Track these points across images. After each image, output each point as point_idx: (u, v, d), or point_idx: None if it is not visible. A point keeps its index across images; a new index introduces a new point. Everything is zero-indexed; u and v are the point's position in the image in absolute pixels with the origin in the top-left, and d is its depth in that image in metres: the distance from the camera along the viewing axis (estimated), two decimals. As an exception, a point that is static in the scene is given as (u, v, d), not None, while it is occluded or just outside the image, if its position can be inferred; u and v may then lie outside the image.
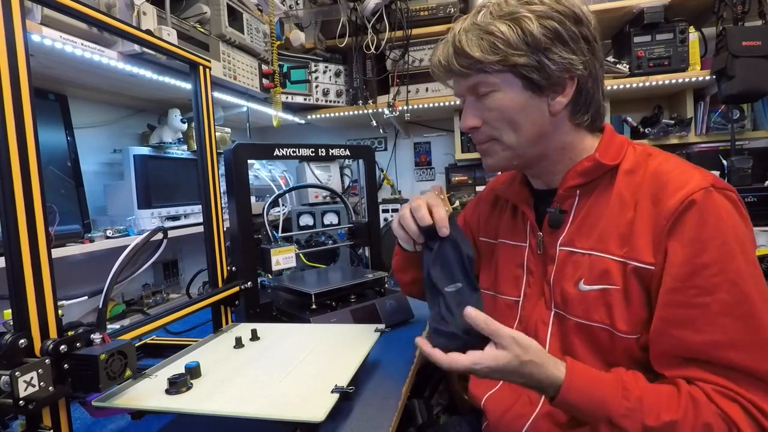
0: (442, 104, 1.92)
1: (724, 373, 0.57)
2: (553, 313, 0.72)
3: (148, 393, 0.63)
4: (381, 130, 2.13)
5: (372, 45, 1.80)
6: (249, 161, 1.05)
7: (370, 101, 1.94)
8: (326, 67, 1.93)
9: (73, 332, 0.56)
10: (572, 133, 0.72)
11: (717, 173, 1.77)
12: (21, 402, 0.48)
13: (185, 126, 1.44)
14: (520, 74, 0.66)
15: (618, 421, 0.57)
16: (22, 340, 0.51)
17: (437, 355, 0.62)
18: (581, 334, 0.68)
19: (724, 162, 1.79)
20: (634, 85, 1.78)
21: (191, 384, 0.65)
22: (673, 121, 1.92)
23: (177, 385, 0.63)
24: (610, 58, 1.90)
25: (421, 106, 1.92)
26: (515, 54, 0.65)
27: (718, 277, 0.57)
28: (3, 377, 0.47)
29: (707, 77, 1.74)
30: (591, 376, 0.61)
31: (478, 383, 0.83)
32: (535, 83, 0.66)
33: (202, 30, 1.23)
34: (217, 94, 1.45)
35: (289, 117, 1.98)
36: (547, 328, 0.72)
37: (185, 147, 1.48)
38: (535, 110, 0.69)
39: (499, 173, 0.94)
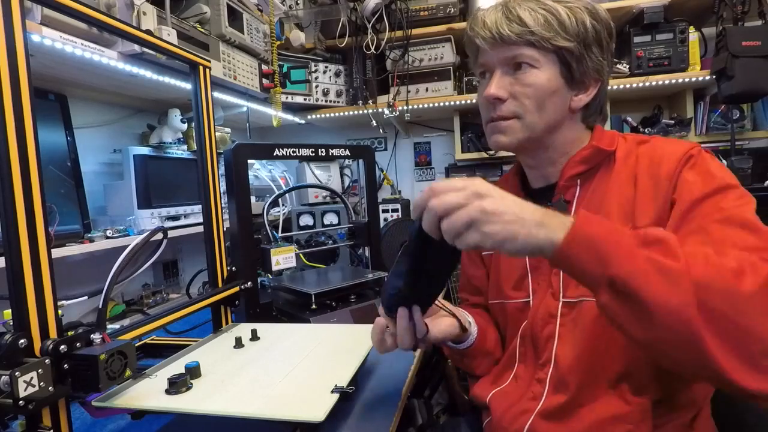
0: (442, 104, 1.92)
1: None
2: (561, 303, 0.71)
3: (148, 393, 0.63)
4: (381, 130, 2.13)
5: (372, 45, 1.80)
6: (249, 161, 1.05)
7: (370, 101, 1.94)
8: (326, 67, 1.93)
9: (73, 332, 0.56)
10: (580, 131, 0.76)
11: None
12: (21, 402, 0.48)
13: (185, 126, 1.44)
14: (563, 59, 0.69)
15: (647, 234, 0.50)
16: (22, 340, 0.51)
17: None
18: (592, 315, 0.67)
19: (724, 162, 1.79)
20: (634, 85, 1.78)
21: (191, 384, 0.65)
22: (673, 121, 1.92)
23: (177, 385, 0.63)
24: (610, 58, 1.90)
25: (421, 106, 1.92)
26: (566, 38, 0.67)
27: (740, 200, 0.60)
28: (3, 377, 0.47)
29: (707, 77, 1.74)
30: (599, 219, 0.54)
31: (483, 384, 0.83)
32: (571, 73, 0.70)
33: (202, 30, 1.23)
34: (217, 94, 1.45)
35: (289, 117, 1.98)
36: (555, 320, 0.72)
37: (185, 147, 1.48)
38: (563, 99, 0.72)
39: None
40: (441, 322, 0.72)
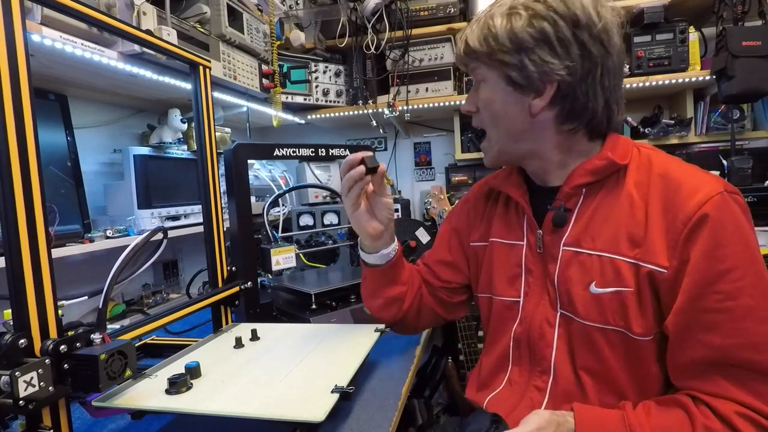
0: (442, 104, 1.92)
1: (744, 381, 0.57)
2: (559, 314, 0.71)
3: (148, 393, 0.63)
4: (381, 130, 2.13)
5: (372, 45, 1.80)
6: (249, 161, 1.05)
7: (370, 101, 1.94)
8: (326, 67, 1.93)
9: (73, 332, 0.56)
10: (563, 135, 0.70)
11: (717, 173, 1.77)
12: (21, 402, 0.48)
13: (185, 126, 1.44)
14: (503, 70, 0.67)
15: None
16: (22, 340, 0.51)
17: None
18: (592, 338, 0.67)
19: (724, 162, 1.79)
20: (634, 85, 1.78)
21: (191, 384, 0.65)
22: (673, 121, 1.92)
23: (177, 385, 0.63)
24: (610, 58, 1.89)
25: (421, 106, 1.92)
26: (500, 50, 0.66)
27: (740, 282, 0.57)
28: (3, 377, 0.47)
29: (707, 77, 1.74)
30: (597, 422, 0.61)
31: (477, 387, 0.84)
32: (515, 81, 0.67)
33: (202, 30, 1.23)
34: (217, 94, 1.45)
35: (289, 117, 1.98)
36: (553, 330, 0.71)
37: (185, 147, 1.48)
38: (517, 107, 0.69)
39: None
40: (369, 217, 0.80)
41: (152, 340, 1.07)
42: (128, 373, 0.58)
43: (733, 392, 0.57)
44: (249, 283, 0.99)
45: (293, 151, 1.12)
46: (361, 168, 0.76)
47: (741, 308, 0.57)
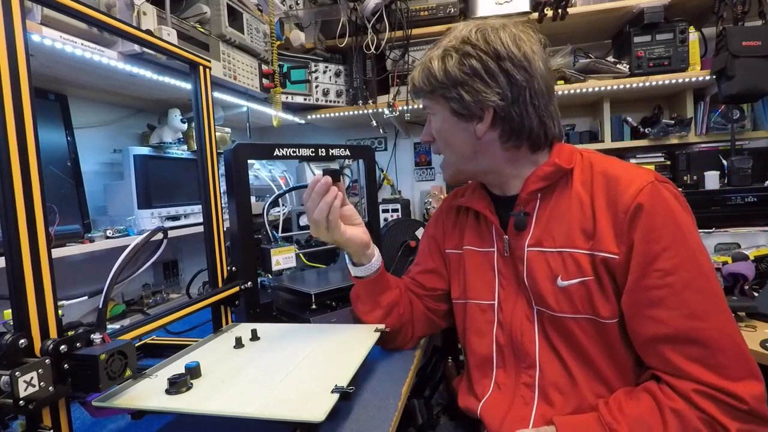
0: (442, 104, 1.92)
1: (695, 356, 0.62)
2: (535, 310, 0.76)
3: (148, 393, 0.63)
4: (381, 130, 2.13)
5: (372, 45, 1.80)
6: (249, 161, 1.04)
7: (370, 101, 1.94)
8: (326, 67, 1.93)
9: (73, 332, 0.56)
10: (510, 151, 0.77)
11: (717, 173, 1.77)
12: (21, 402, 0.48)
13: (185, 126, 1.44)
14: (446, 103, 0.76)
15: None
16: (22, 340, 0.51)
17: None
18: (566, 328, 0.72)
19: (724, 162, 1.79)
20: (634, 85, 1.78)
21: (191, 384, 0.65)
22: (673, 121, 1.92)
23: (177, 385, 0.63)
24: (610, 58, 1.90)
25: (421, 106, 1.92)
26: (439, 86, 0.75)
27: (676, 259, 0.64)
28: (3, 377, 0.47)
29: (707, 77, 1.74)
30: (577, 428, 0.67)
31: (467, 395, 0.86)
32: (457, 111, 0.76)
33: (202, 30, 1.23)
34: (217, 94, 1.45)
35: (289, 117, 1.98)
36: (533, 326, 0.76)
37: (185, 147, 1.48)
38: (464, 132, 0.77)
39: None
40: (354, 227, 0.86)
41: (152, 340, 1.07)
42: (128, 373, 0.58)
43: (688, 370, 0.62)
44: (249, 283, 0.99)
45: (293, 151, 1.12)
46: (328, 179, 0.79)
47: (680, 282, 0.63)
